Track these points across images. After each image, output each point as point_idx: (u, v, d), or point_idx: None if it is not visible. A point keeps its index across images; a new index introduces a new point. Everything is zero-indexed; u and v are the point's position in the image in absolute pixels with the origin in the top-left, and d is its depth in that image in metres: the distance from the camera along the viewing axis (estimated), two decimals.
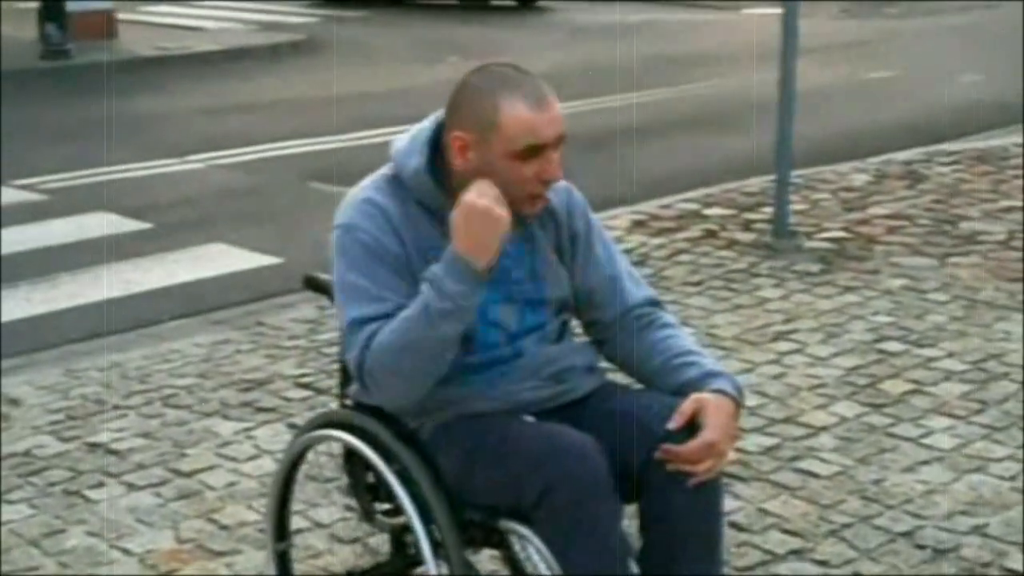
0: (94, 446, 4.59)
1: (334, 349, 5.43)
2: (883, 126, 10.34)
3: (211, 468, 4.39)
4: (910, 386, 4.82)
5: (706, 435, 2.59)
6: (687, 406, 2.63)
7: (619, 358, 2.87)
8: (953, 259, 6.37)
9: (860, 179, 8.13)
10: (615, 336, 2.84)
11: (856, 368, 5.00)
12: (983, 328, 5.40)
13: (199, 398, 5.02)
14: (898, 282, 6.03)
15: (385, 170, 2.80)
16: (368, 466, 2.88)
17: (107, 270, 6.89)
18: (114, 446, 4.58)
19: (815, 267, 6.32)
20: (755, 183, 8.01)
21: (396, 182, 2.75)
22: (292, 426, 4.69)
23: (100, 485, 4.28)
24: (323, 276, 3.21)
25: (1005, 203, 7.40)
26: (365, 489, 2.97)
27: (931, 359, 5.07)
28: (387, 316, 2.63)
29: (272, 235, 7.55)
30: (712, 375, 2.71)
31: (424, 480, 2.69)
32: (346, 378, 3.03)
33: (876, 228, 6.97)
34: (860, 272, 6.21)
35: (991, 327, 5.41)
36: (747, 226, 7.09)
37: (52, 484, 4.29)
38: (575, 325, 2.94)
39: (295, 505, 4.00)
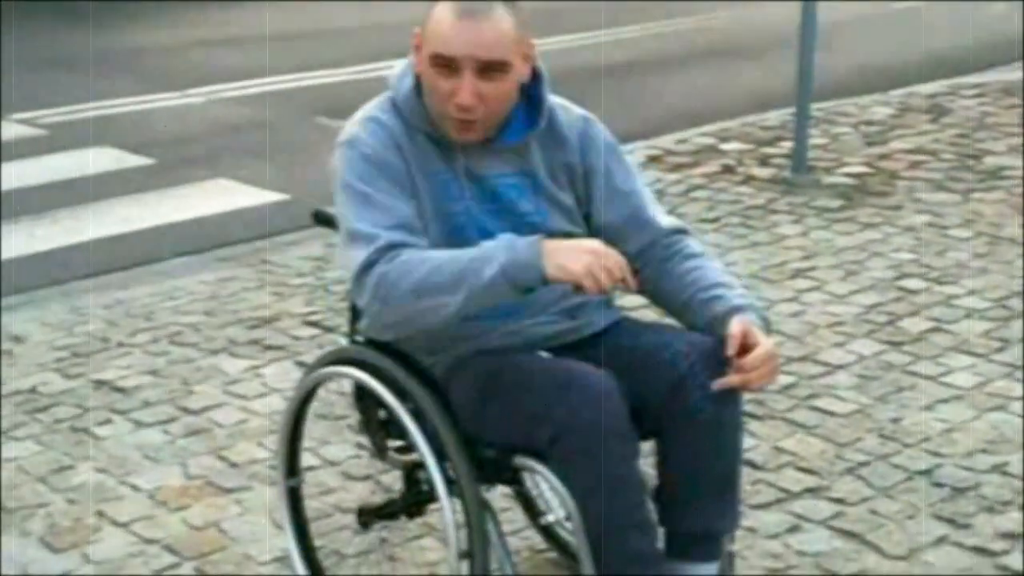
0: (100, 383, 4.67)
1: (342, 287, 5.54)
2: (908, 58, 10.34)
3: (219, 406, 4.47)
4: (930, 324, 4.88)
5: (764, 345, 2.62)
6: (736, 328, 2.62)
7: (645, 292, 2.87)
8: (976, 195, 6.42)
9: (882, 112, 8.15)
10: (641, 270, 2.83)
11: (875, 306, 5.06)
12: (1005, 265, 5.45)
13: (205, 336, 5.10)
14: (920, 218, 6.08)
15: (386, 94, 2.83)
16: (380, 403, 2.95)
17: (109, 206, 6.95)
18: (120, 383, 4.66)
19: (835, 203, 6.37)
20: (774, 116, 8.05)
21: (395, 106, 2.78)
22: (300, 364, 4.76)
23: (107, 422, 4.36)
24: (331, 210, 3.27)
25: None
26: (377, 426, 3.04)
27: (952, 297, 5.13)
28: (400, 225, 2.64)
29: (277, 171, 7.60)
30: (738, 309, 2.71)
31: (438, 418, 2.75)
32: (356, 314, 3.10)
33: (898, 163, 7.00)
34: (881, 208, 6.25)
35: (1013, 264, 5.46)
36: (765, 161, 7.13)
37: (59, 421, 4.38)
38: None
39: (306, 442, 4.11)
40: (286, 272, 5.83)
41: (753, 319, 2.70)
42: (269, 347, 4.96)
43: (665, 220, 2.89)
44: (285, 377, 4.67)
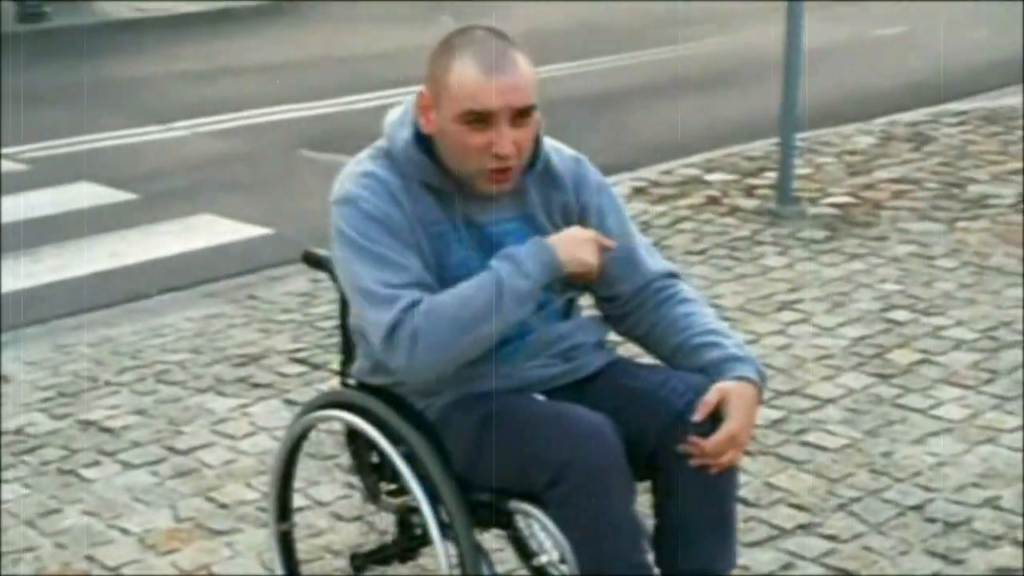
0: (87, 423, 4.65)
1: (329, 323, 5.54)
2: (888, 86, 10.39)
3: (208, 446, 4.46)
4: (918, 356, 4.88)
5: (729, 427, 2.62)
6: (711, 397, 2.65)
7: (637, 335, 2.88)
8: (961, 224, 6.44)
9: (865, 141, 8.19)
10: (632, 312, 2.86)
11: (863, 338, 5.07)
12: (993, 295, 5.46)
13: (193, 374, 5.09)
14: (905, 248, 6.10)
15: (380, 142, 2.81)
16: (372, 446, 2.95)
17: (93, 243, 6.94)
18: (108, 424, 4.64)
19: (820, 234, 6.39)
20: (758, 147, 8.07)
21: (390, 156, 2.77)
22: (289, 402, 4.76)
23: (95, 463, 4.34)
24: (321, 251, 3.27)
25: (1014, 165, 7.47)
26: (370, 469, 3.03)
27: (940, 328, 5.14)
28: (416, 283, 2.65)
29: (262, 205, 7.60)
30: (735, 359, 2.72)
31: (432, 462, 2.75)
32: (348, 356, 3.10)
33: (882, 193, 7.03)
34: (866, 239, 6.27)
35: (1001, 294, 5.47)
36: (750, 192, 7.15)
37: (46, 463, 4.36)
38: (587, 301, 2.99)
39: (298, 483, 4.10)
40: (272, 308, 5.82)
41: (749, 372, 2.71)
42: (256, 385, 4.95)
43: (657, 263, 2.90)
44: (273, 416, 4.66)
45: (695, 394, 2.67)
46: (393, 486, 3.03)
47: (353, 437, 3.04)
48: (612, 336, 2.95)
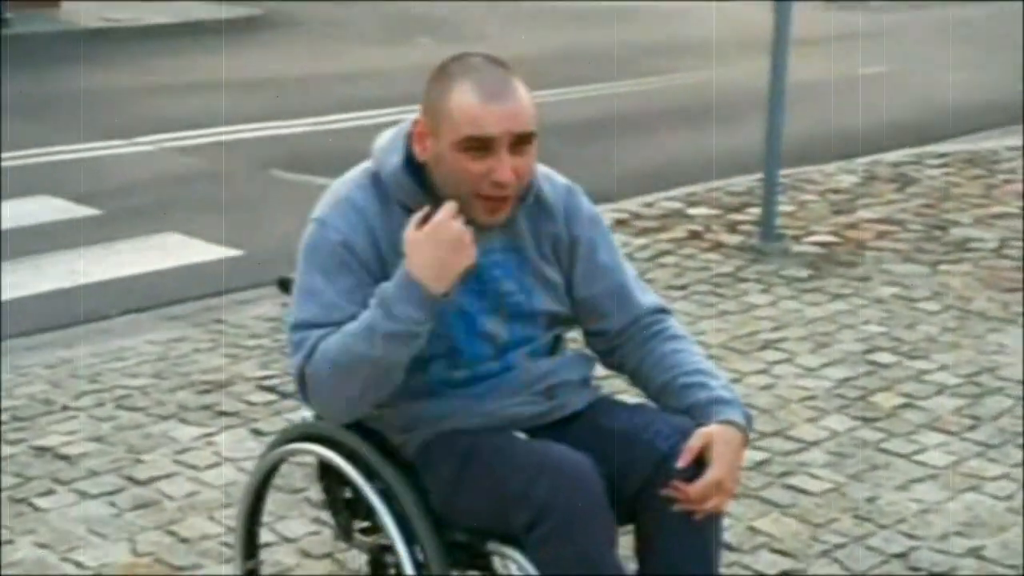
0: (42, 450, 4.57)
1: None
2: (870, 125, 10.41)
3: (169, 476, 4.38)
4: (902, 400, 4.87)
5: (713, 473, 2.59)
6: (695, 443, 2.62)
7: (625, 370, 2.86)
8: (944, 267, 6.45)
9: (848, 180, 8.20)
10: (621, 347, 2.84)
11: (847, 380, 5.05)
12: (976, 340, 5.46)
13: (155, 400, 5.01)
14: (889, 290, 6.10)
15: (368, 165, 2.78)
16: (345, 482, 2.90)
17: (52, 259, 6.86)
18: (64, 450, 4.56)
19: (803, 272, 6.38)
20: (740, 182, 8.07)
21: (377, 180, 2.74)
22: (256, 432, 4.70)
23: (50, 492, 4.26)
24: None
25: (996, 209, 7.49)
26: (342, 505, 2.97)
27: (923, 372, 5.13)
28: (336, 324, 2.64)
29: (231, 225, 7.52)
30: (721, 402, 2.70)
31: (408, 500, 2.70)
32: None
33: (865, 233, 7.03)
34: (850, 279, 6.27)
35: (984, 339, 5.47)
36: (733, 228, 7.13)
37: None
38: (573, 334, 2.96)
39: (264, 518, 4.03)
40: (240, 333, 5.76)
41: (735, 416, 2.68)
42: (222, 413, 4.88)
43: (647, 298, 2.87)
44: (239, 446, 4.59)
45: (680, 437, 2.64)
46: (366, 523, 2.98)
47: (325, 472, 2.99)
48: (599, 371, 2.92)
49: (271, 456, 3.06)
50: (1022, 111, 10.15)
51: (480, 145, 2.59)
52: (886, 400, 4.86)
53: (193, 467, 4.45)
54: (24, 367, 5.35)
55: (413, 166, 2.70)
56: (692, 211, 7.47)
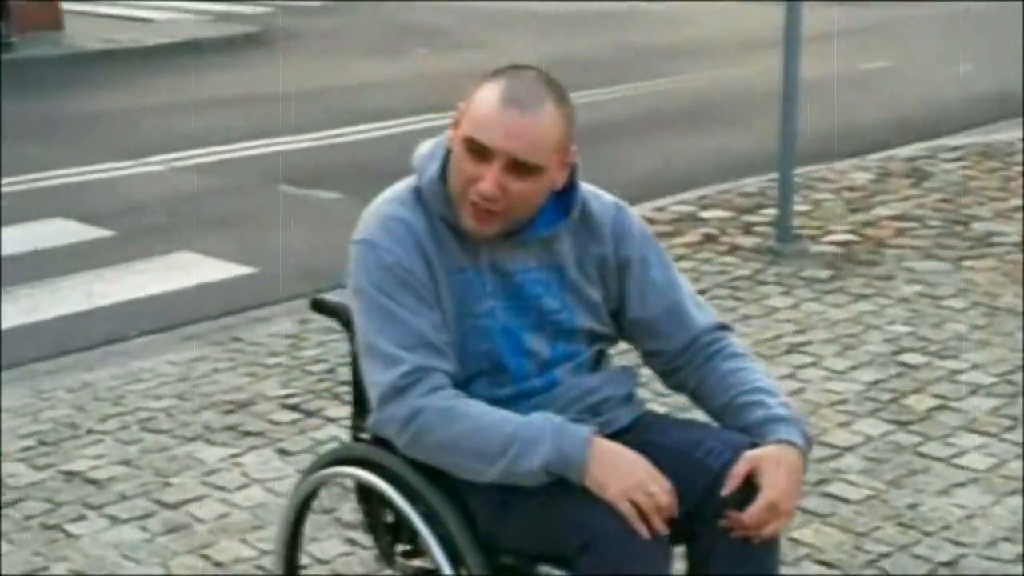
0: (70, 474, 4.50)
1: (319, 367, 5.42)
2: (878, 120, 10.35)
3: (198, 499, 4.31)
4: (936, 401, 4.79)
5: (768, 495, 2.49)
6: (740, 468, 2.52)
7: (686, 391, 2.78)
8: (968, 263, 6.36)
9: (862, 177, 8.12)
10: (681, 368, 2.76)
11: (877, 382, 4.97)
12: (1006, 337, 5.38)
13: (179, 421, 4.94)
14: (913, 288, 6.01)
15: (410, 181, 2.72)
16: (387, 504, 2.83)
17: (68, 282, 6.79)
18: (92, 475, 4.49)
19: (824, 273, 6.29)
20: (752, 183, 8.00)
21: (420, 196, 2.67)
22: (282, 452, 4.63)
23: (81, 518, 4.19)
24: (331, 297, 3.15)
25: (1016, 202, 7.41)
26: (385, 529, 2.90)
27: (955, 372, 5.05)
28: (421, 347, 2.56)
29: (243, 243, 7.46)
30: (777, 420, 2.60)
31: (454, 524, 2.62)
32: (360, 409, 2.97)
33: (884, 230, 6.95)
34: (872, 278, 6.18)
35: (1014, 336, 5.39)
36: (748, 229, 7.06)
37: (29, 517, 4.20)
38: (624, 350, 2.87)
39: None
40: (258, 351, 5.68)
41: (791, 435, 2.59)
42: (247, 433, 4.81)
43: (705, 316, 2.79)
44: (266, 467, 4.52)
45: (734, 454, 2.55)
46: (407, 547, 2.91)
47: (365, 494, 2.91)
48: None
49: (311, 480, 2.98)
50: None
51: (479, 149, 2.54)
52: (919, 402, 4.78)
53: (222, 488, 4.38)
54: (47, 391, 5.28)
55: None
56: (705, 214, 7.39)
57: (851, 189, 7.86)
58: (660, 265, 2.78)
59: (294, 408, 5.02)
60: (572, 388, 2.69)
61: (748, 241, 6.85)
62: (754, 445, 2.57)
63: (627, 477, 2.43)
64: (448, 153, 2.64)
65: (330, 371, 5.38)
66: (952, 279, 6.13)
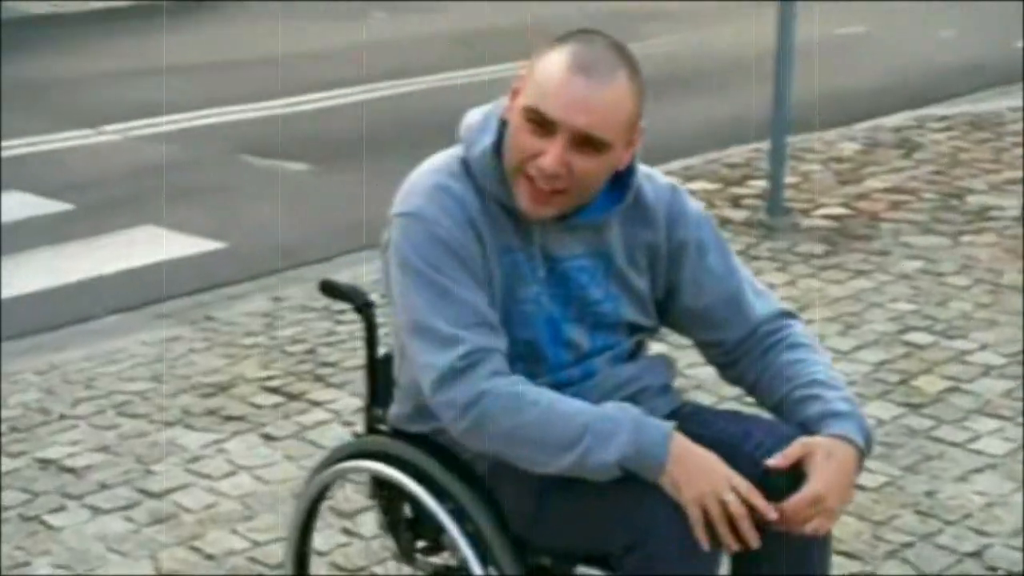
0: (45, 462, 4.41)
1: (298, 347, 5.34)
2: (859, 88, 10.31)
3: (184, 487, 4.24)
4: (947, 383, 4.76)
5: (813, 487, 2.39)
6: (793, 449, 2.43)
7: (745, 384, 2.69)
8: (966, 237, 6.35)
9: (850, 148, 8.09)
10: (739, 360, 2.66)
11: (884, 363, 4.93)
12: (1013, 316, 5.35)
13: (156, 405, 4.85)
14: (912, 264, 5.99)
15: (456, 150, 2.59)
16: (407, 498, 2.76)
17: (29, 258, 6.66)
18: (69, 463, 4.41)
19: (819, 248, 6.26)
20: (737, 152, 7.95)
21: (468, 168, 2.54)
22: (267, 437, 4.55)
23: (61, 509, 4.11)
24: (341, 282, 3.07)
25: (1010, 174, 7.40)
26: (405, 525, 2.83)
27: (964, 352, 5.02)
28: (479, 326, 2.45)
29: (210, 216, 7.35)
30: (835, 415, 2.51)
31: (485, 521, 2.55)
32: (374, 399, 2.90)
33: (878, 203, 6.93)
34: (869, 254, 6.15)
35: (1022, 314, 5.36)
36: (736, 202, 7.01)
37: (6, 508, 4.11)
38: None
39: (287, 530, 3.89)
40: (234, 331, 5.60)
41: (849, 430, 2.49)
42: (229, 418, 4.73)
43: (767, 305, 2.69)
44: (252, 453, 4.45)
45: (785, 447, 2.45)
46: (425, 543, 2.85)
47: (383, 489, 2.84)
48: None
49: (327, 474, 2.90)
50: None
51: (542, 121, 2.41)
52: (930, 384, 4.75)
53: (207, 476, 4.31)
54: (14, 374, 5.18)
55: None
56: (691, 185, 7.31)
57: (839, 160, 7.83)
58: (718, 250, 2.68)
59: (276, 391, 4.95)
60: (609, 378, 2.61)
61: (738, 215, 6.80)
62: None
63: (706, 480, 2.33)
64: (503, 125, 2.52)
65: (310, 352, 5.30)
66: (952, 255, 6.10)
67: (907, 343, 5.13)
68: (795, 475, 2.42)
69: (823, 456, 2.44)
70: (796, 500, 2.39)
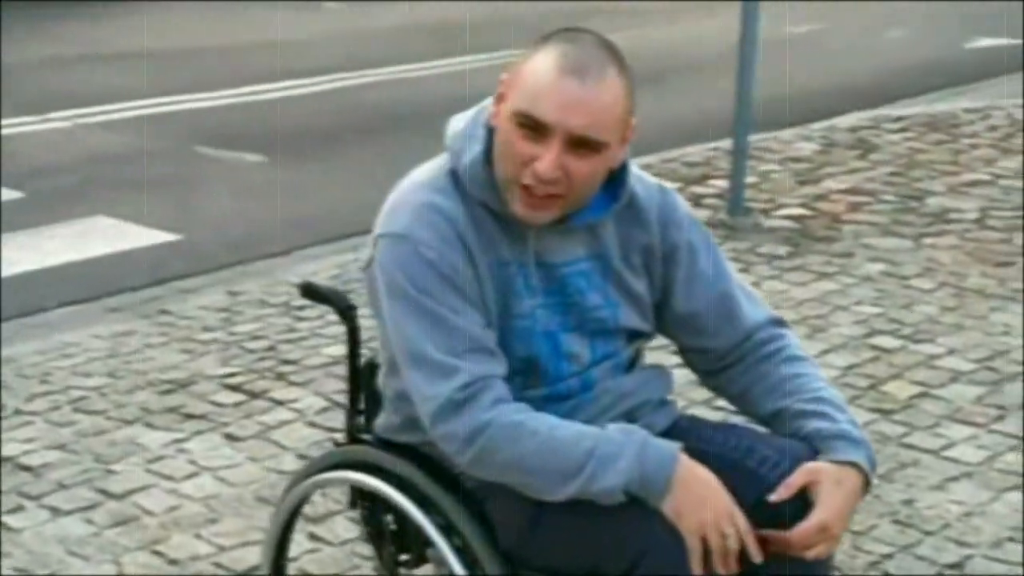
0: (1, 460, 4.26)
1: (258, 344, 5.22)
2: (815, 87, 10.26)
3: (145, 488, 4.11)
4: (917, 389, 4.70)
5: (818, 516, 2.33)
6: (797, 478, 2.36)
7: (730, 393, 2.61)
8: (928, 240, 6.30)
9: (807, 148, 8.04)
10: (728, 368, 2.59)
11: (852, 367, 4.87)
12: (979, 320, 5.31)
13: (114, 402, 4.72)
14: (876, 267, 5.93)
15: (442, 161, 2.48)
16: (390, 510, 2.66)
17: None
18: (25, 460, 4.27)
19: (782, 249, 6.19)
20: (695, 151, 7.88)
21: (458, 179, 2.43)
22: (230, 437, 4.44)
23: (19, 509, 3.98)
24: (322, 284, 2.97)
25: (969, 176, 7.37)
26: (390, 537, 2.72)
27: (932, 357, 4.97)
28: (476, 352, 2.36)
29: (163, 207, 7.18)
30: (844, 438, 2.44)
31: (475, 537, 2.46)
32: (355, 406, 2.79)
33: (837, 205, 6.87)
34: (831, 256, 6.09)
35: (988, 319, 5.32)
36: (697, 201, 6.92)
37: None
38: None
39: (253, 535, 3.79)
40: (191, 325, 5.46)
41: (856, 456, 2.42)
42: (189, 416, 4.60)
43: (759, 311, 2.61)
44: (215, 453, 4.33)
45: (792, 463, 2.39)
46: (408, 556, 2.74)
47: (364, 499, 2.74)
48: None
49: (307, 484, 2.79)
50: None
51: (533, 125, 2.31)
52: (900, 389, 4.69)
53: (169, 477, 4.18)
54: None
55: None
56: None
57: (796, 160, 7.77)
58: (709, 253, 2.60)
59: (236, 388, 4.82)
60: (608, 391, 2.51)
61: (699, 214, 6.59)
62: (815, 454, 2.43)
63: (707, 510, 2.26)
64: (491, 131, 2.43)
65: (270, 348, 5.18)
66: (915, 257, 6.06)
67: (874, 347, 5.07)
68: (802, 499, 2.37)
69: (832, 484, 2.38)
70: (803, 529, 2.34)
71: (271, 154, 8.23)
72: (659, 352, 2.95)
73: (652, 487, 2.28)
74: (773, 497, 2.36)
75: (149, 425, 4.54)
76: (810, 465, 2.38)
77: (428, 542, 2.55)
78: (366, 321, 2.66)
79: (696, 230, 2.61)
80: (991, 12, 12.90)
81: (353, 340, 2.77)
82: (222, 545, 3.79)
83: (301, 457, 4.24)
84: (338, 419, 4.46)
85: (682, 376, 2.79)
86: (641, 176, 2.58)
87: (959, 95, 9.64)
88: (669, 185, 2.65)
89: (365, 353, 2.79)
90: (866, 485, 2.44)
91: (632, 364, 2.61)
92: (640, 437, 2.32)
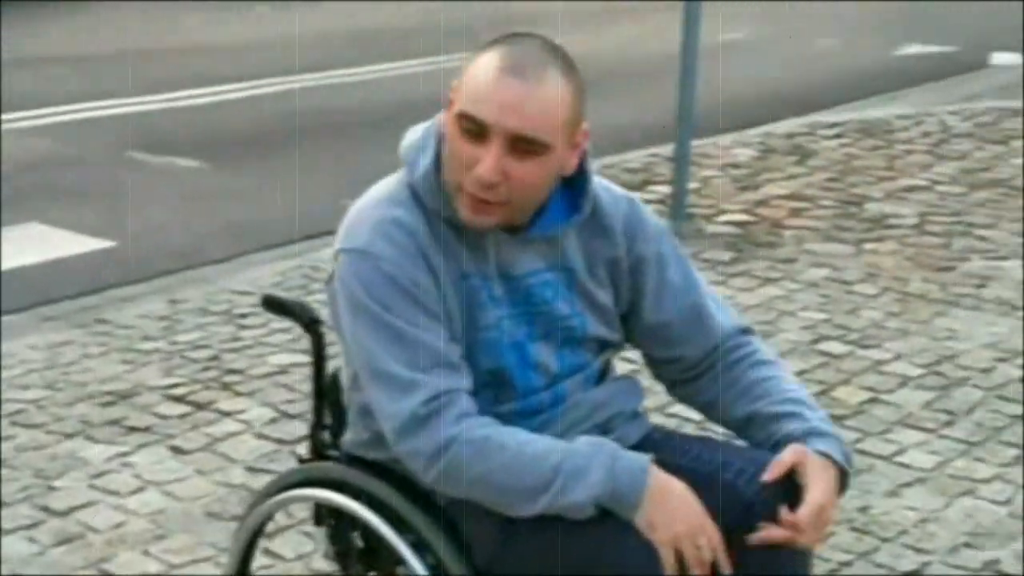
0: None
1: (200, 353, 5.11)
2: (749, 94, 10.27)
3: (89, 504, 4.00)
4: (866, 394, 4.70)
5: (815, 496, 2.30)
6: (787, 456, 2.33)
7: (699, 401, 2.58)
8: (868, 245, 6.31)
9: (745, 154, 8.03)
10: (699, 377, 2.55)
11: (801, 373, 4.84)
12: (923, 325, 5.32)
13: (53, 415, 4.60)
14: (819, 272, 5.93)
15: (400, 175, 2.43)
16: (357, 528, 2.59)
17: None
18: None
19: (726, 255, 6.18)
20: (635, 157, 7.85)
21: (413, 191, 2.38)
22: (175, 450, 4.34)
23: None
24: (284, 296, 2.89)
25: (905, 182, 7.40)
26: (357, 556, 2.65)
27: (880, 362, 4.96)
28: (438, 367, 2.30)
29: (96, 214, 7.05)
30: (818, 434, 2.41)
31: (448, 555, 2.39)
32: (320, 422, 2.71)
33: (778, 210, 6.87)
34: (774, 261, 6.08)
35: (931, 324, 5.33)
36: None
37: None
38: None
39: (204, 551, 3.70)
40: (130, 335, 5.35)
41: (832, 449, 2.39)
42: (132, 429, 4.50)
43: (728, 319, 2.58)
44: (160, 467, 4.23)
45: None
46: (375, 574, 2.67)
47: (331, 517, 2.66)
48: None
49: (271, 503, 2.70)
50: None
51: (475, 128, 2.26)
52: (850, 395, 4.68)
53: (114, 493, 4.08)
54: None
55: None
56: None
57: (735, 166, 7.76)
58: (677, 263, 2.56)
59: (181, 400, 4.73)
60: (579, 404, 2.47)
61: None
62: None
63: (680, 522, 2.22)
64: (442, 140, 2.37)
65: (214, 358, 5.08)
66: (856, 263, 6.06)
67: (822, 352, 5.06)
68: (790, 483, 2.33)
69: (818, 467, 2.36)
70: (807, 512, 2.31)
71: (207, 159, 8.11)
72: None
73: (624, 500, 2.24)
74: (765, 477, 2.33)
75: (91, 439, 4.43)
76: (796, 446, 2.36)
77: (399, 560, 2.48)
78: (331, 334, 2.59)
79: (664, 241, 2.57)
80: (920, 20, 13.01)
81: (319, 354, 2.70)
82: (171, 562, 3.70)
83: (250, 470, 4.16)
84: (286, 430, 4.43)
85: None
86: (608, 186, 2.53)
87: (890, 101, 9.70)
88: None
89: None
90: (843, 479, 2.41)
91: (602, 375, 2.56)
92: (610, 450, 2.28)
